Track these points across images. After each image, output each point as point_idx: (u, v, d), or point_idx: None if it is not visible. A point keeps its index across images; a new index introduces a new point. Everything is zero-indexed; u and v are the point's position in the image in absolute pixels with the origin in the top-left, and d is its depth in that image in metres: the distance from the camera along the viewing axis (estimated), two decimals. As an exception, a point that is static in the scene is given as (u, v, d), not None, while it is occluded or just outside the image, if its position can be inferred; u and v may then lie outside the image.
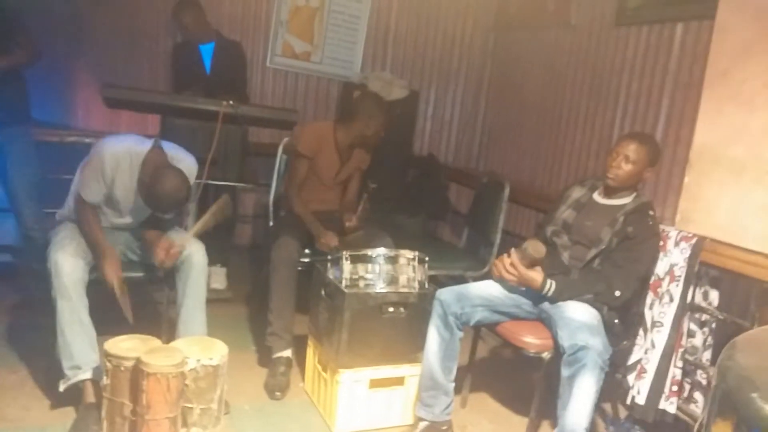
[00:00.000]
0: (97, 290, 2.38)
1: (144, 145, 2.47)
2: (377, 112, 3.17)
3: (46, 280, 2.37)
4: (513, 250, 2.45)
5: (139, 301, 2.46)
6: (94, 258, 2.41)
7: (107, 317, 2.36)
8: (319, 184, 3.23)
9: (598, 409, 2.23)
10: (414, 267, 2.57)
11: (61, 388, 2.30)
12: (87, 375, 2.30)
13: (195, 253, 2.52)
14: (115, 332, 2.25)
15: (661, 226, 2.60)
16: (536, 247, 2.39)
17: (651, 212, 2.44)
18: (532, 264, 2.40)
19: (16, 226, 3.39)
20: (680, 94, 3.10)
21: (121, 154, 2.44)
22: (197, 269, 2.52)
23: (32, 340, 2.91)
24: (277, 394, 2.69)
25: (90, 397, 2.31)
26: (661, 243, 2.57)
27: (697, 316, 2.63)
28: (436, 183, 4.68)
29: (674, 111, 3.13)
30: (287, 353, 2.80)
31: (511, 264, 2.40)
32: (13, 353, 2.80)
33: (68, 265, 2.29)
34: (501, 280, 2.48)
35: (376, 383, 2.54)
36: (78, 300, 2.29)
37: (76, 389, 2.32)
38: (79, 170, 2.55)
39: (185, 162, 2.53)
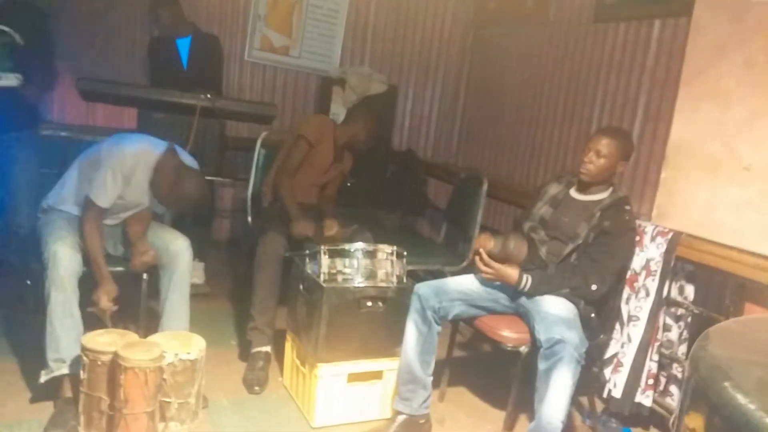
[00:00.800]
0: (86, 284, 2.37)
1: (158, 148, 2.50)
2: (373, 122, 3.29)
3: (27, 275, 2.38)
4: (494, 239, 2.46)
5: (117, 295, 2.43)
6: (94, 278, 2.40)
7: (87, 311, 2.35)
8: (309, 175, 3.25)
9: (574, 402, 2.25)
10: (392, 261, 2.57)
11: (42, 379, 2.27)
12: (68, 370, 2.27)
13: (181, 248, 2.54)
14: (94, 327, 2.25)
15: (638, 221, 2.62)
16: (519, 247, 2.41)
17: (627, 207, 2.46)
18: (507, 260, 2.41)
19: (2, 221, 3.36)
20: (657, 91, 3.13)
21: (140, 155, 2.47)
22: (183, 264, 2.53)
23: (6, 336, 2.87)
24: (256, 388, 2.68)
25: (67, 391, 2.29)
26: (638, 238, 2.60)
27: (672, 310, 2.67)
28: (415, 178, 4.69)
29: (651, 107, 3.16)
30: (267, 348, 2.79)
31: (485, 262, 2.40)
32: (-14, 349, 2.75)
33: (67, 257, 2.27)
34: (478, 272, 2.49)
35: (354, 377, 2.54)
36: (72, 293, 2.27)
37: (54, 383, 2.29)
38: (81, 168, 2.52)
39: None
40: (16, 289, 3.12)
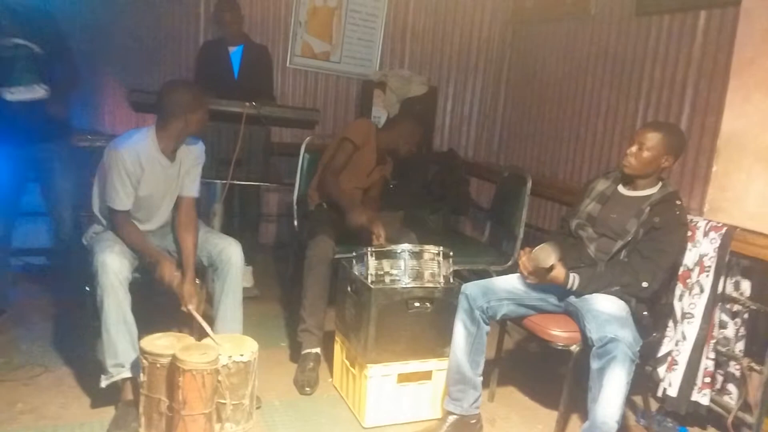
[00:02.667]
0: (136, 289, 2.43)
1: (148, 131, 2.51)
2: (414, 129, 3.39)
3: (86, 282, 2.43)
4: (527, 253, 2.42)
5: (169, 299, 2.49)
6: (150, 268, 2.45)
7: (142, 315, 2.41)
8: (354, 178, 3.31)
9: (627, 401, 2.21)
10: (439, 262, 2.58)
11: (103, 384, 2.34)
12: (129, 373, 2.33)
13: (233, 252, 2.59)
14: (149, 330, 2.31)
15: (689, 216, 2.57)
16: (544, 254, 2.32)
17: (678, 202, 2.41)
18: (542, 271, 2.37)
19: (52, 229, 3.47)
20: (705, 83, 3.07)
21: (135, 146, 2.46)
22: (235, 268, 2.58)
23: (68, 340, 2.99)
24: (307, 389, 2.71)
25: (128, 394, 2.35)
26: (690, 233, 2.55)
27: (728, 306, 2.60)
28: (457, 178, 4.69)
29: (699, 100, 3.10)
30: (317, 350, 2.83)
31: (530, 273, 2.39)
32: (49, 352, 2.87)
33: (116, 264, 2.32)
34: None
35: (404, 378, 2.56)
36: (123, 298, 2.32)
37: (114, 386, 2.36)
38: (96, 184, 2.58)
39: (197, 144, 2.67)
40: (76, 296, 3.24)
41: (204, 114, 2.54)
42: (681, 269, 2.59)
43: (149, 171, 2.49)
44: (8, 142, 2.93)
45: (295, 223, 3.53)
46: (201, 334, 2.41)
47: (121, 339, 2.31)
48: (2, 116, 2.85)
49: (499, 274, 2.96)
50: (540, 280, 2.39)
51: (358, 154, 3.24)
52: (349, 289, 2.63)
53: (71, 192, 3.16)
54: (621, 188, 2.55)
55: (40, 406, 2.43)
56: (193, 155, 2.66)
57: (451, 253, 2.63)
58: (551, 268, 2.33)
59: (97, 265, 2.31)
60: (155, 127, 2.50)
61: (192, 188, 2.68)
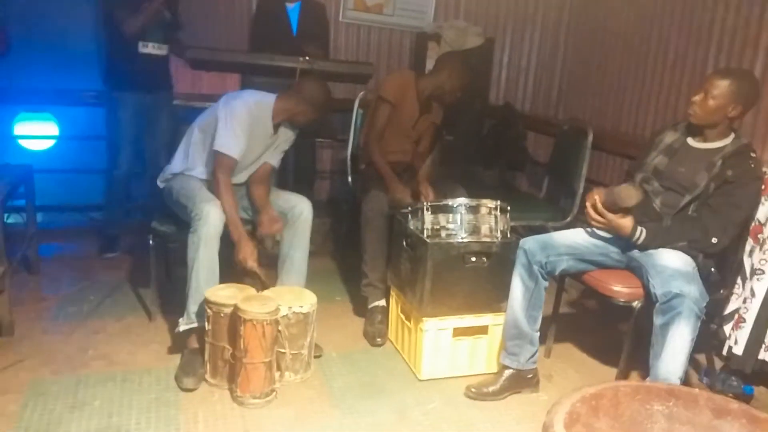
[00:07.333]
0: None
1: (271, 97, 2.64)
2: (459, 71, 3.15)
3: (150, 235, 2.54)
4: (601, 190, 2.36)
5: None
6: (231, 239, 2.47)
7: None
8: (399, 133, 3.23)
9: (690, 360, 2.16)
10: (496, 216, 2.54)
11: (181, 328, 2.41)
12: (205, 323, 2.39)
13: (304, 208, 2.66)
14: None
15: (764, 169, 2.43)
16: (627, 193, 2.28)
17: (753, 154, 2.29)
18: (617, 210, 2.31)
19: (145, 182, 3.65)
20: (782, 27, 2.87)
21: (261, 105, 2.60)
22: (305, 223, 2.65)
23: (133, 291, 3.12)
24: (378, 340, 2.77)
25: (194, 342, 2.44)
26: (763, 187, 2.42)
27: (801, 263, 2.48)
28: (514, 132, 4.57)
29: (775, 45, 2.91)
30: (382, 302, 2.88)
31: (598, 211, 2.31)
32: (117, 303, 3.00)
33: (217, 216, 2.37)
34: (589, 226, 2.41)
35: (459, 332, 2.56)
36: (216, 251, 2.38)
37: (180, 334, 2.44)
38: (203, 130, 2.61)
39: (295, 132, 2.80)
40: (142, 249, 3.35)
41: (318, 117, 2.69)
42: (752, 224, 2.47)
43: (258, 131, 2.61)
44: (135, 88, 3.40)
45: (350, 179, 3.53)
46: (263, 286, 2.46)
47: (208, 288, 2.35)
48: (132, 65, 3.35)
49: (557, 230, 2.90)
50: (606, 224, 2.31)
51: (397, 110, 3.14)
52: (404, 243, 2.62)
53: (167, 144, 3.44)
54: (690, 140, 2.43)
55: (110, 353, 2.55)
56: (289, 136, 2.80)
57: (508, 207, 2.58)
58: (624, 210, 2.26)
59: (200, 215, 2.34)
60: (277, 96, 2.63)
61: (274, 159, 2.80)
